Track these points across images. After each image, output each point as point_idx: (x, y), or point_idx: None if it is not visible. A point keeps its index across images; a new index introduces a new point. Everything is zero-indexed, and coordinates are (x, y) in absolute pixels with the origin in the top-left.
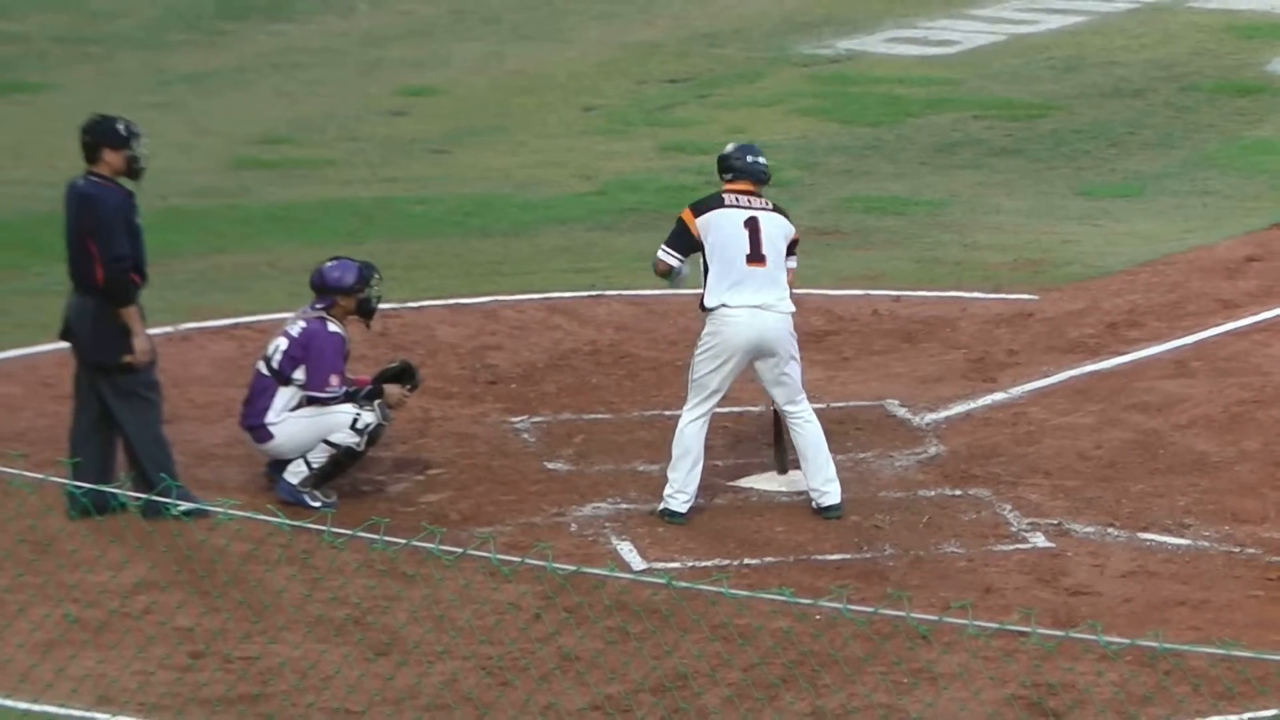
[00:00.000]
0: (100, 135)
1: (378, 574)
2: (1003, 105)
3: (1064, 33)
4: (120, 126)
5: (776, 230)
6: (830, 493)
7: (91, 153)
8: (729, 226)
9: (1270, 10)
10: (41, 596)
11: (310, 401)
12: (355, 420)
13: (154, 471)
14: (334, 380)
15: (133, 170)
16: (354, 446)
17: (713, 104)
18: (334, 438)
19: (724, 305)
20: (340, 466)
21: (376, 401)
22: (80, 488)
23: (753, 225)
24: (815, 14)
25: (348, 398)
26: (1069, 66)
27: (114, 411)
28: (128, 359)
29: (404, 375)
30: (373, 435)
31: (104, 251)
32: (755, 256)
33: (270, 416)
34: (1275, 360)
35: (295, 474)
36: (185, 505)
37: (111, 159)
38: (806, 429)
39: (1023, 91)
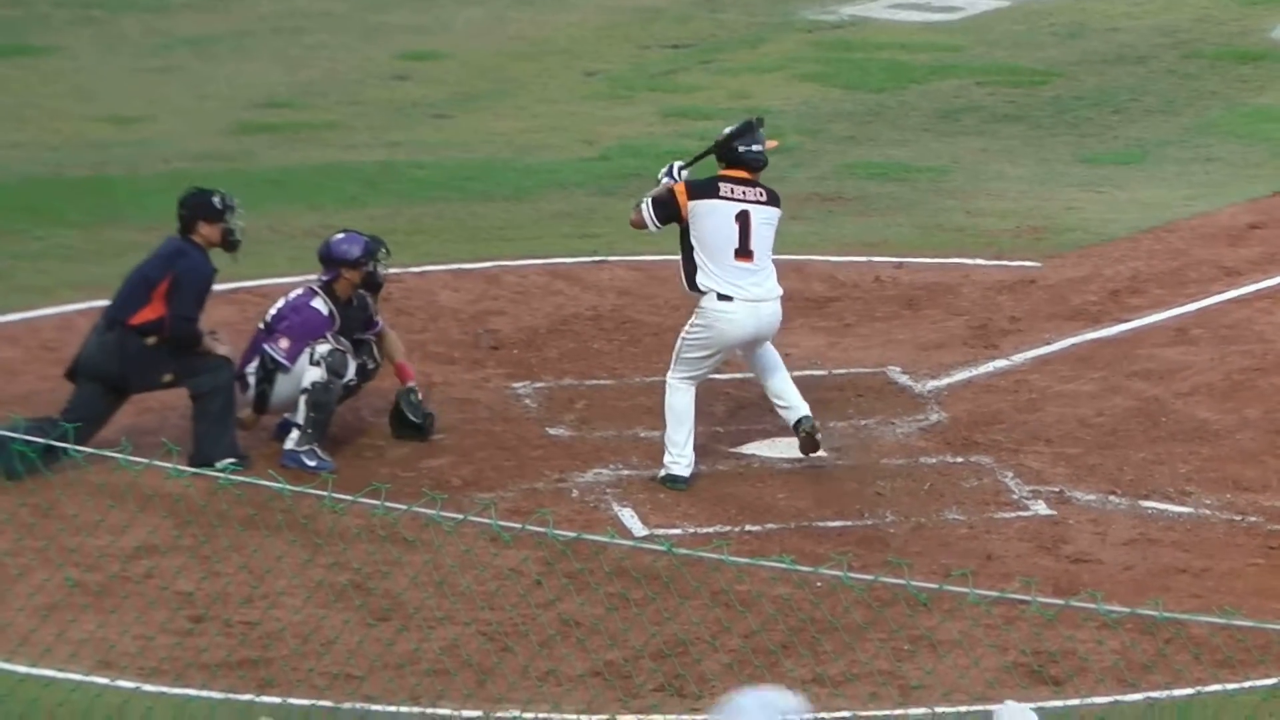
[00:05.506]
0: (195, 209)
1: (379, 539)
2: (1006, 71)
3: None
4: (215, 200)
5: (765, 222)
6: (796, 406)
7: (187, 225)
8: (720, 219)
9: None
10: (42, 560)
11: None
12: (311, 354)
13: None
14: (283, 343)
15: (228, 243)
16: (319, 380)
17: (715, 69)
18: (304, 382)
19: (719, 296)
20: (322, 408)
21: (339, 339)
22: (26, 439)
23: (743, 219)
24: None
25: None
26: (1072, 33)
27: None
28: (213, 349)
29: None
30: (334, 367)
31: (177, 306)
32: (743, 251)
33: (248, 368)
34: (1277, 328)
35: (290, 439)
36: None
37: (207, 231)
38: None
39: (1026, 58)
